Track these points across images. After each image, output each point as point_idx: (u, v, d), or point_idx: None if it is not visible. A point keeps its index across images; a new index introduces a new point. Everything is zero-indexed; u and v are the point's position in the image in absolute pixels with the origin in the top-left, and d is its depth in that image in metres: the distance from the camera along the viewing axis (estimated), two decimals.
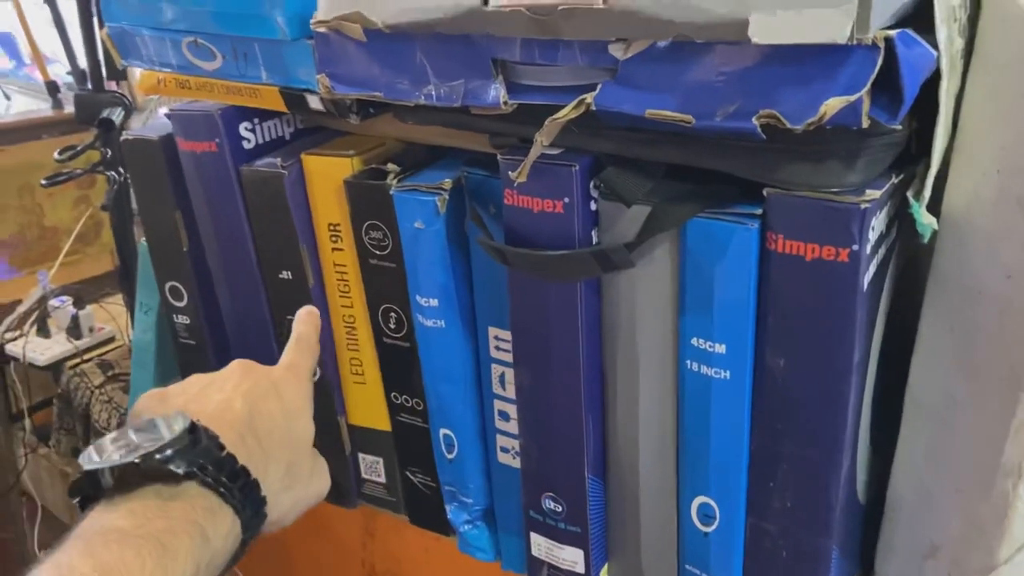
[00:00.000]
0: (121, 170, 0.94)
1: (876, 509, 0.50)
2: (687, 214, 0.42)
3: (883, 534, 0.49)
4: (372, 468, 0.65)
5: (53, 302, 1.07)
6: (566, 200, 0.44)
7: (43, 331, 1.05)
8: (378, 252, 0.56)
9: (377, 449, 0.64)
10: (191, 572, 0.29)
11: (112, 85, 0.94)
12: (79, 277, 1.18)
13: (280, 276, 0.61)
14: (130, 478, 0.30)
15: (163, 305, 0.69)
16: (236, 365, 0.39)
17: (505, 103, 0.44)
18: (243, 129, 0.59)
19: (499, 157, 0.46)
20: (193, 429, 0.32)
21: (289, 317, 0.62)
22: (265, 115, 0.60)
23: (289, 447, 0.38)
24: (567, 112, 0.41)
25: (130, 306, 1.01)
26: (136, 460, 0.30)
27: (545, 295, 0.47)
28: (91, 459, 0.31)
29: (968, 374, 0.42)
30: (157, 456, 0.30)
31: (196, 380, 0.38)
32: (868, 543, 0.51)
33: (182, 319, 0.69)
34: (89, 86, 0.90)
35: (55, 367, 1.01)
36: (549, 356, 0.48)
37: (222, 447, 0.33)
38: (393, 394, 0.61)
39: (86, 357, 1.01)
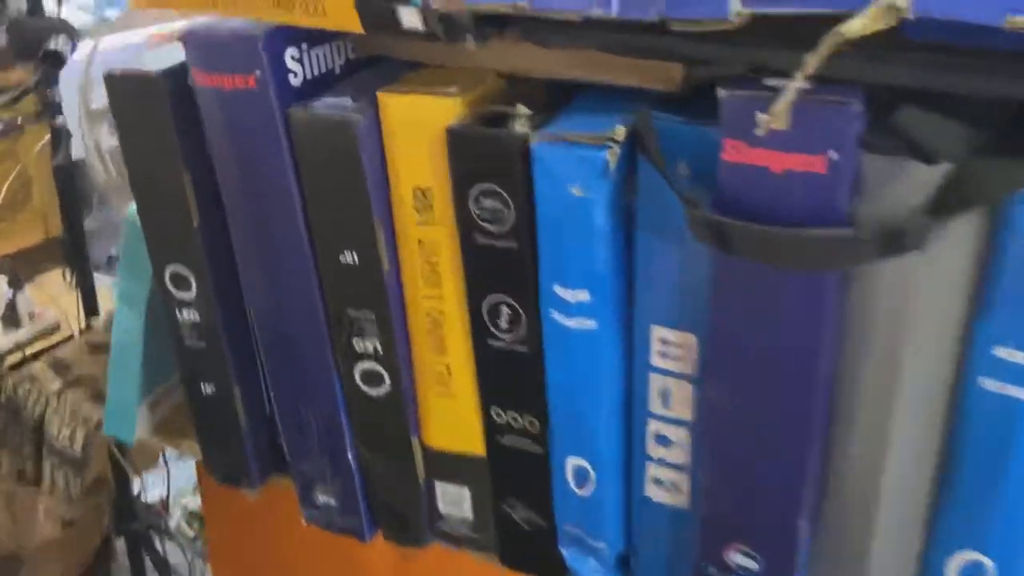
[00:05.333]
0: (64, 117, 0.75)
1: None
2: (1016, 182, 0.29)
3: None
4: (454, 500, 0.52)
5: None
6: (832, 155, 0.31)
7: None
8: (491, 227, 0.41)
9: (463, 477, 0.51)
10: None
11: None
12: (8, 250, 0.97)
13: (341, 260, 0.45)
14: None
15: (160, 296, 0.52)
16: None
17: (739, 15, 0.30)
18: (289, 58, 0.43)
19: (723, 94, 0.32)
20: None
21: (354, 313, 0.47)
22: (312, 39, 0.44)
23: None
24: (867, 23, 0.28)
25: (82, 286, 0.83)
26: None
27: (776, 288, 0.34)
28: None
29: None
30: None
31: None
32: None
33: (188, 315, 0.52)
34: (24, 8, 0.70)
35: None
36: (769, 367, 0.36)
37: None
38: (495, 410, 0.47)
39: (28, 351, 0.82)
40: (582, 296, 0.39)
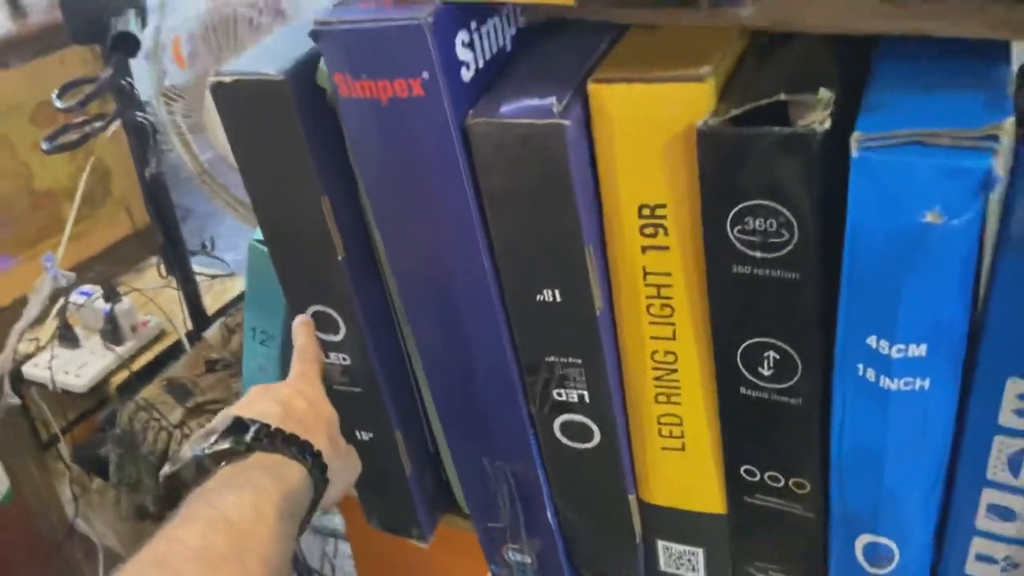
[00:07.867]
0: (138, 113, 0.65)
1: None
2: None
3: None
4: (681, 560, 0.43)
5: (75, 297, 0.79)
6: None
7: (67, 339, 0.77)
8: (757, 254, 0.30)
9: (695, 536, 0.41)
10: (281, 496, 0.34)
11: None
12: (93, 250, 0.89)
13: (538, 298, 0.35)
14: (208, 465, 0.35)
15: None
16: (252, 390, 0.41)
17: None
18: (460, 46, 0.31)
19: None
20: (240, 421, 0.36)
21: (555, 360, 0.37)
22: (480, 12, 0.32)
23: (324, 424, 0.40)
24: None
25: (184, 289, 0.75)
26: (206, 450, 0.35)
27: None
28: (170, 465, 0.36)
29: None
30: (222, 444, 0.35)
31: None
32: None
33: (337, 358, 0.43)
34: None
35: (98, 389, 0.74)
36: None
37: (269, 426, 0.37)
38: (746, 468, 0.37)
39: (134, 367, 0.74)
40: (917, 352, 0.28)
